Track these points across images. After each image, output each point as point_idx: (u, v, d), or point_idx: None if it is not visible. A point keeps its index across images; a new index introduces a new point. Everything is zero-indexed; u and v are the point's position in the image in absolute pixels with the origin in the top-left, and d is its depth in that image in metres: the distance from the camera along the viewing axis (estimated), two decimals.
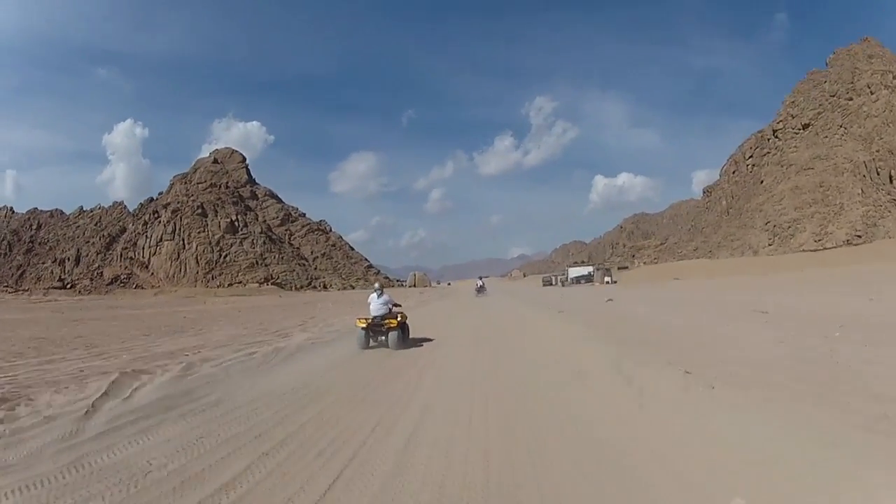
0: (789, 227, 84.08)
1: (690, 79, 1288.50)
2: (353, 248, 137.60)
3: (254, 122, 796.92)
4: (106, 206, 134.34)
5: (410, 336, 13.53)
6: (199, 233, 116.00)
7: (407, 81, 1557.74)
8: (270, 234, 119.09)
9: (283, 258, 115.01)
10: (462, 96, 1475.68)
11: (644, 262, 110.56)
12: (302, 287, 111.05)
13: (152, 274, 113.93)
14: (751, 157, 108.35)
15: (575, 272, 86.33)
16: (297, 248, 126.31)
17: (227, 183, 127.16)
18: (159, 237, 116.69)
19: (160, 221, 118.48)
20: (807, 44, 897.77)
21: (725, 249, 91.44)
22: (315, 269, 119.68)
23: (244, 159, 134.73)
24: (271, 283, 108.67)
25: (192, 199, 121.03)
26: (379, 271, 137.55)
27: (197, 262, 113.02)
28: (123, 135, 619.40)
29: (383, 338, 12.73)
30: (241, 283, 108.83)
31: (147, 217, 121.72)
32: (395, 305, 13.47)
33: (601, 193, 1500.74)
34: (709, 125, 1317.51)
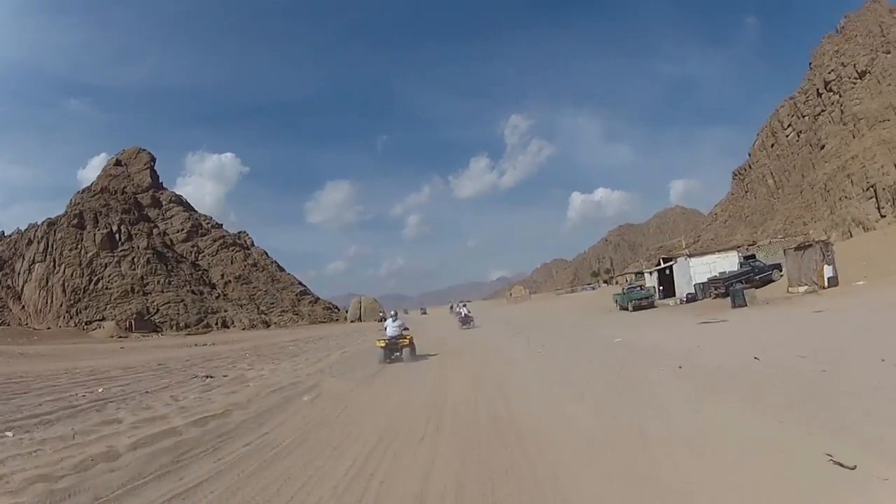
0: None
1: (663, 89, 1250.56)
2: (282, 269, 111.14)
3: (227, 154, 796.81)
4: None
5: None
6: (70, 250, 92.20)
7: (380, 106, 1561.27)
8: (162, 250, 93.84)
9: (169, 284, 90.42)
10: (436, 119, 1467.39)
11: None
12: (189, 325, 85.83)
13: (23, 307, 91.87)
14: (789, 125, 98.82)
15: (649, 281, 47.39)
16: (204, 269, 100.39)
17: (125, 188, 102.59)
18: (32, 258, 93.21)
19: (36, 237, 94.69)
20: (780, 44, 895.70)
21: (801, 232, 71.16)
22: (219, 297, 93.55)
23: (152, 159, 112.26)
24: (145, 320, 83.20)
25: (74, 207, 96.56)
26: (318, 298, 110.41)
27: (63, 289, 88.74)
28: (97, 169, 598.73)
29: (398, 353, 18.74)
30: (100, 320, 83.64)
31: (32, 234, 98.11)
32: (405, 329, 19.57)
33: (578, 210, 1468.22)
34: (683, 134, 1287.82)
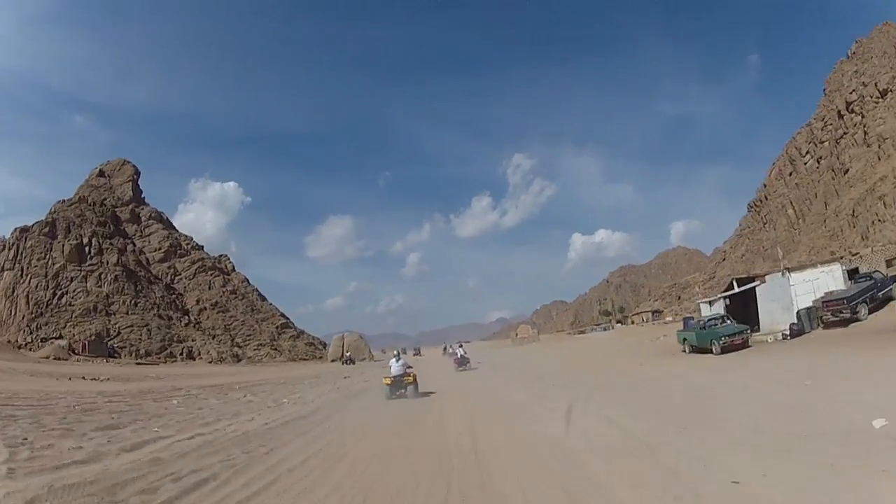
0: None
1: (663, 128, 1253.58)
2: (263, 298, 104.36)
3: (231, 183, 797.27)
4: None
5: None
6: (38, 259, 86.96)
7: (383, 142, 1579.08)
8: (134, 269, 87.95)
9: (136, 306, 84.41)
10: (439, 157, 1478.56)
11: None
12: (150, 353, 79.40)
13: None
14: (808, 152, 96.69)
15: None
16: (179, 293, 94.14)
17: (104, 199, 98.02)
18: (1, 265, 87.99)
19: (7, 244, 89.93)
20: (783, 79, 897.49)
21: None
22: (189, 325, 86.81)
23: (136, 173, 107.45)
24: (101, 343, 76.81)
25: (50, 216, 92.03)
26: (302, 332, 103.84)
27: (27, 301, 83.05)
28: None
29: (403, 390, 20.63)
30: (57, 337, 77.41)
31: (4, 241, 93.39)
32: (409, 367, 21.92)
33: (579, 251, 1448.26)
34: (683, 174, 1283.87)
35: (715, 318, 29.88)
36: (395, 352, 24.68)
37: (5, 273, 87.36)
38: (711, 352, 26.97)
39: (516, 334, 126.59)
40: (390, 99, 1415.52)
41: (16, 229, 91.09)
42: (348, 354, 79.28)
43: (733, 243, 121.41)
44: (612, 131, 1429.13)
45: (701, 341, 28.76)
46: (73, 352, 72.01)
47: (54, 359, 64.24)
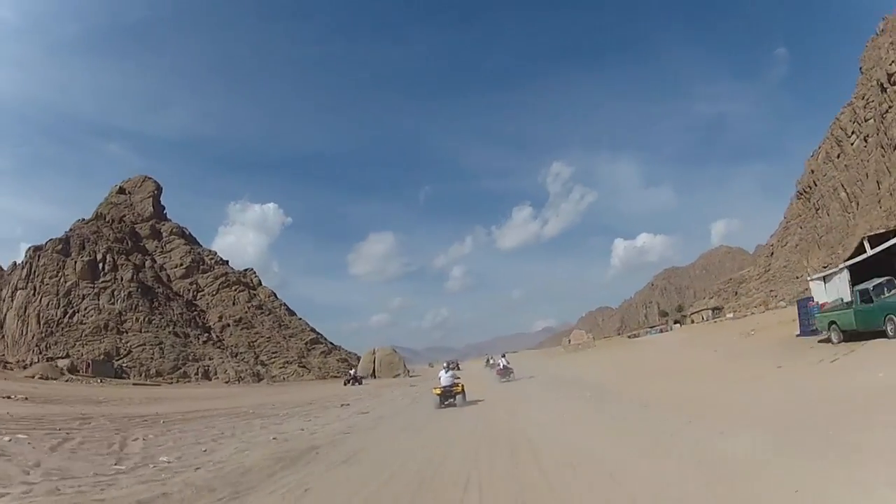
0: None
1: (697, 129, 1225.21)
2: (292, 313, 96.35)
3: (270, 204, 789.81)
4: None
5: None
6: (51, 277, 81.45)
7: (422, 158, 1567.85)
8: (152, 285, 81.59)
9: (150, 323, 77.66)
10: (478, 169, 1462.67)
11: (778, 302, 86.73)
12: (162, 373, 72.25)
13: (2, 337, 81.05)
14: (853, 132, 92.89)
15: None
16: (201, 310, 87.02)
17: (123, 216, 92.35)
18: (15, 284, 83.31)
19: (21, 264, 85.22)
20: (808, 71, 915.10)
21: None
22: (208, 342, 79.62)
23: (158, 188, 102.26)
24: (107, 363, 70.30)
25: (66, 233, 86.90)
26: (335, 348, 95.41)
27: (38, 320, 77.67)
28: None
29: (452, 399, 21.39)
30: (64, 357, 71.24)
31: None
32: (457, 378, 23.09)
33: (621, 257, 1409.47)
34: (719, 174, 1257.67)
35: (882, 284, 18.65)
36: (445, 364, 27.10)
37: (18, 293, 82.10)
38: (887, 334, 16.81)
39: (569, 340, 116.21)
40: (427, 115, 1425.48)
41: (30, 248, 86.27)
42: (352, 372, 67.25)
43: (780, 235, 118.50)
44: (647, 135, 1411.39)
45: (865, 321, 18.16)
46: (75, 372, 65.06)
47: (40, 378, 57.04)
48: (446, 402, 21.21)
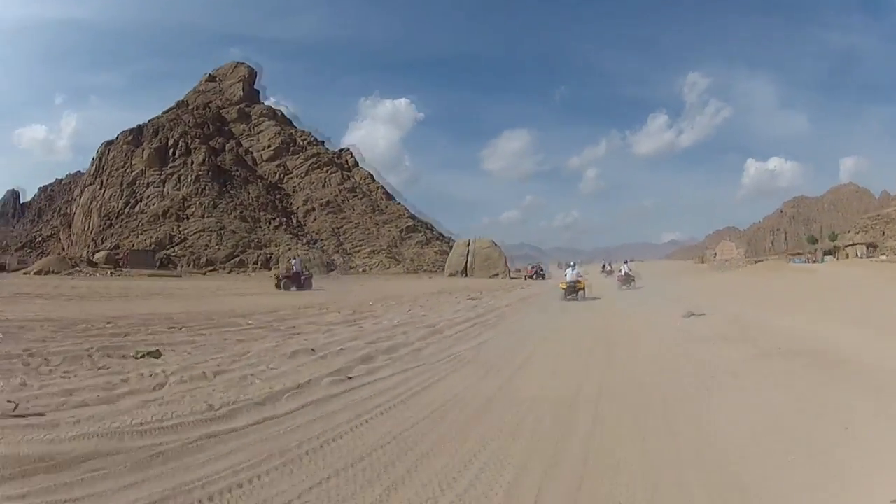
0: None
1: (830, 58, 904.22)
2: (390, 197, 78.29)
3: (402, 100, 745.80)
4: None
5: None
6: (118, 169, 70.78)
7: (559, 59, 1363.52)
8: (228, 167, 68.44)
9: (216, 207, 64.14)
10: (615, 73, 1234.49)
11: None
12: (214, 262, 58.67)
13: (69, 235, 74.47)
14: None
15: None
16: (285, 192, 72.32)
17: (209, 102, 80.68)
18: (84, 181, 78.75)
19: (92, 160, 77.48)
20: None
21: None
22: (282, 227, 64.48)
23: (250, 73, 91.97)
24: (150, 251, 57.31)
25: (147, 125, 76.90)
26: (435, 238, 75.83)
27: (100, 213, 68.31)
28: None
29: (574, 295, 22.06)
30: (114, 248, 59.98)
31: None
32: (581, 276, 23.07)
33: (753, 178, 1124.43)
34: (851, 110, 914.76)
35: None
36: (571, 263, 26.59)
37: (85, 190, 74.09)
38: None
39: (714, 254, 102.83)
40: (563, 16, 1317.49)
41: (102, 143, 77.75)
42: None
43: None
44: (783, 56, 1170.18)
45: None
46: (124, 262, 51.86)
47: (45, 273, 43.10)
48: (569, 297, 22.30)
